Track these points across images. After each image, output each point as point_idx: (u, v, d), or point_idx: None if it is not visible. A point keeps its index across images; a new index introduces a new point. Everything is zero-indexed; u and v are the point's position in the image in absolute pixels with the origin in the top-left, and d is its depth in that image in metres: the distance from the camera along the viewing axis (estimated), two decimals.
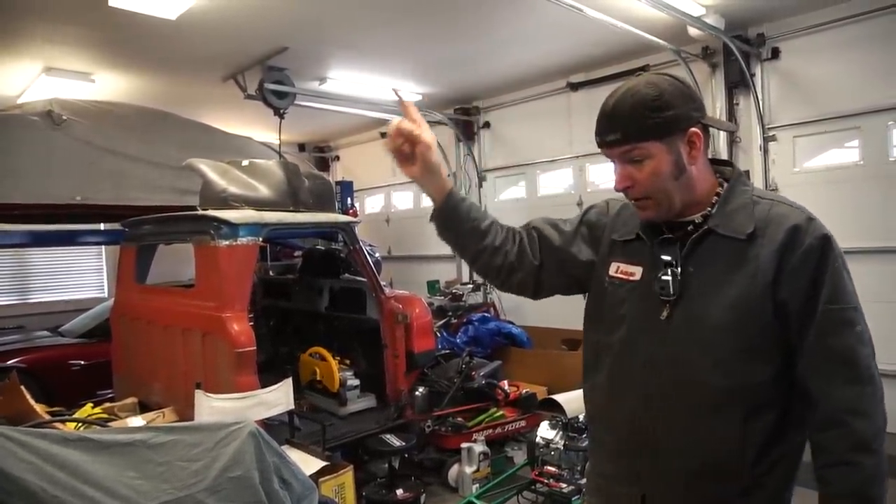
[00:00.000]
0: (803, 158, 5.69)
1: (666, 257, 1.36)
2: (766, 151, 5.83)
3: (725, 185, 1.40)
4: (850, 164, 5.42)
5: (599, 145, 1.38)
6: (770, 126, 5.80)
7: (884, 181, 5.16)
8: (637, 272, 1.41)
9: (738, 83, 5.85)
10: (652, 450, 1.35)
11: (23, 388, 3.37)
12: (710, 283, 1.32)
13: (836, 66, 5.37)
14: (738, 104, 6.00)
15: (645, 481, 1.37)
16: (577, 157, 7.25)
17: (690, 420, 1.32)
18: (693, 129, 1.33)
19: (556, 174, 7.64)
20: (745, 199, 1.36)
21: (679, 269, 1.34)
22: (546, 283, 1.55)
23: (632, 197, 1.39)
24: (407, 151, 1.44)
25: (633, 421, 1.37)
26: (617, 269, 1.45)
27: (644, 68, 6.50)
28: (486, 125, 8.37)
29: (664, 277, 1.34)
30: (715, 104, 6.08)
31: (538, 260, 1.52)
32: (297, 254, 7.09)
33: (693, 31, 5.36)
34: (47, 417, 3.29)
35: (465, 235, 1.51)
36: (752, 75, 5.75)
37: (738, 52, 5.56)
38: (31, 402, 3.37)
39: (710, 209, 1.37)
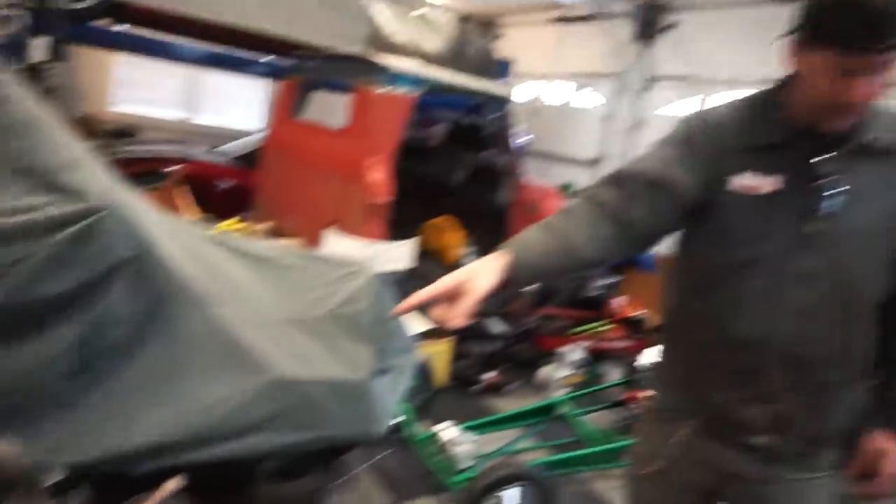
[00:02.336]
0: None
1: (823, 168, 1.29)
2: None
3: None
4: None
5: (862, 50, 1.15)
6: None
7: None
8: (770, 183, 1.31)
9: None
10: (800, 365, 1.33)
11: (180, 190, 3.67)
12: (862, 194, 1.28)
13: None
14: None
15: (784, 397, 1.35)
16: (761, 81, 6.37)
17: (843, 329, 1.33)
18: None
19: (731, 96, 6.81)
20: (892, 117, 1.32)
21: (834, 180, 1.28)
22: (657, 231, 1.40)
23: (853, 111, 1.25)
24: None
25: (780, 338, 1.33)
26: (744, 180, 1.33)
27: None
28: (669, 27, 7.55)
29: (826, 189, 1.28)
30: None
31: (641, 217, 1.33)
32: (438, 125, 7.00)
33: None
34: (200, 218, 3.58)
35: (548, 281, 1.37)
36: None
37: None
38: (186, 204, 3.68)
39: (856, 121, 1.28)
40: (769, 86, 1.46)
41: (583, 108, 8.77)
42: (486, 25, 10.64)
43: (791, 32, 1.29)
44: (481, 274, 1.19)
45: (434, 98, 5.41)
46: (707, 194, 1.36)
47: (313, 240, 3.53)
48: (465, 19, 10.41)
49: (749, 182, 1.33)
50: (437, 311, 1.20)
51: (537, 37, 9.51)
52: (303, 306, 2.33)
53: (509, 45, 10.26)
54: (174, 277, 1.97)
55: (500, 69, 8.38)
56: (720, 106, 1.48)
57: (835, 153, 1.29)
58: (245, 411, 1.94)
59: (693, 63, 7.27)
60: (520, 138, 6.67)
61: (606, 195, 1.35)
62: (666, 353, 1.61)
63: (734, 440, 1.42)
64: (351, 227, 3.43)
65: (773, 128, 1.35)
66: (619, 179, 1.38)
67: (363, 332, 2.34)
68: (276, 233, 4.08)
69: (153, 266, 1.91)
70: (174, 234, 2.18)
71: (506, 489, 2.55)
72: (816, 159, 1.29)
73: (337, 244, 3.25)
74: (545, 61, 9.26)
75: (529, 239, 1.29)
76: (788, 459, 1.41)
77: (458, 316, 1.16)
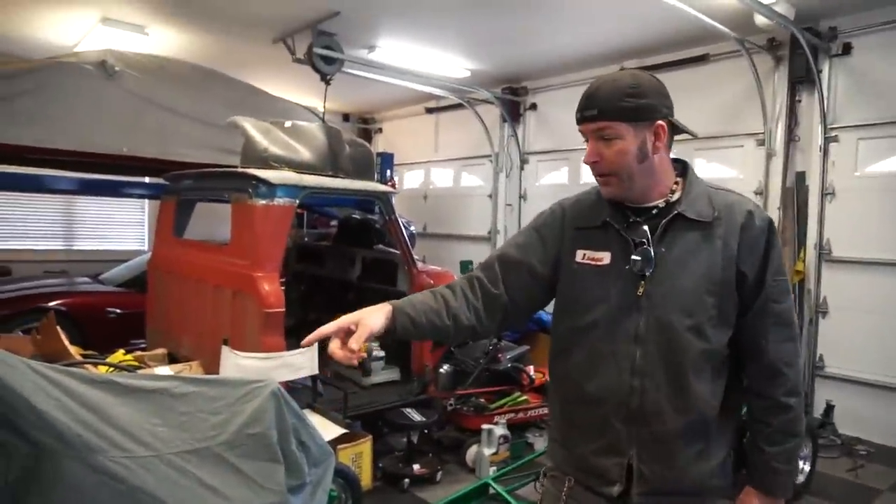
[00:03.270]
0: (866, 162, 5.40)
1: (639, 238, 1.49)
2: (825, 153, 5.56)
3: (681, 178, 1.57)
4: None
5: (578, 121, 1.51)
6: (833, 126, 5.52)
7: None
8: (605, 256, 1.53)
9: (802, 79, 5.57)
10: (639, 417, 1.47)
11: (58, 328, 3.45)
12: (681, 260, 1.47)
13: None
14: (800, 101, 5.72)
15: (630, 450, 1.48)
16: None
17: (674, 384, 1.46)
18: (660, 122, 1.47)
19: None
20: (702, 189, 1.54)
21: (652, 248, 1.47)
22: (524, 305, 1.64)
23: (597, 172, 1.51)
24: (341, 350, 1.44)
25: (619, 393, 1.48)
26: (584, 255, 1.56)
27: (703, 57, 6.26)
28: (533, 107, 8.21)
29: (637, 257, 1.47)
30: (776, 100, 5.82)
31: (503, 292, 1.59)
32: (332, 223, 7.10)
33: (760, 21, 5.10)
34: (79, 359, 3.36)
35: (428, 336, 1.65)
36: (819, 71, 5.46)
37: (807, 46, 5.28)
38: (66, 342, 3.45)
39: (670, 196, 1.53)
40: None
41: (469, 189, 9.19)
42: (366, 121, 11.08)
43: None
44: (370, 316, 1.45)
45: (322, 199, 5.53)
46: (560, 268, 1.59)
47: (211, 359, 3.40)
48: (346, 117, 10.84)
49: (588, 257, 1.55)
50: (333, 345, 1.42)
51: (416, 127, 10.00)
52: (202, 435, 2.22)
53: (390, 137, 10.71)
54: (55, 431, 1.84)
55: (384, 161, 8.70)
56: (580, 193, 1.70)
57: (645, 225, 1.50)
58: None
59: (557, 137, 7.90)
60: (410, 226, 6.88)
61: (479, 274, 1.62)
62: (550, 416, 1.76)
63: (597, 491, 1.53)
64: (248, 341, 3.35)
65: (600, 211, 1.57)
66: (489, 263, 1.64)
67: (273, 450, 2.26)
68: (171, 358, 3.89)
69: (29, 423, 1.78)
70: (53, 383, 2.05)
71: None
72: (630, 234, 1.50)
73: (235, 361, 3.15)
74: (426, 149, 9.72)
75: (415, 298, 1.56)
76: None
77: (354, 340, 1.40)
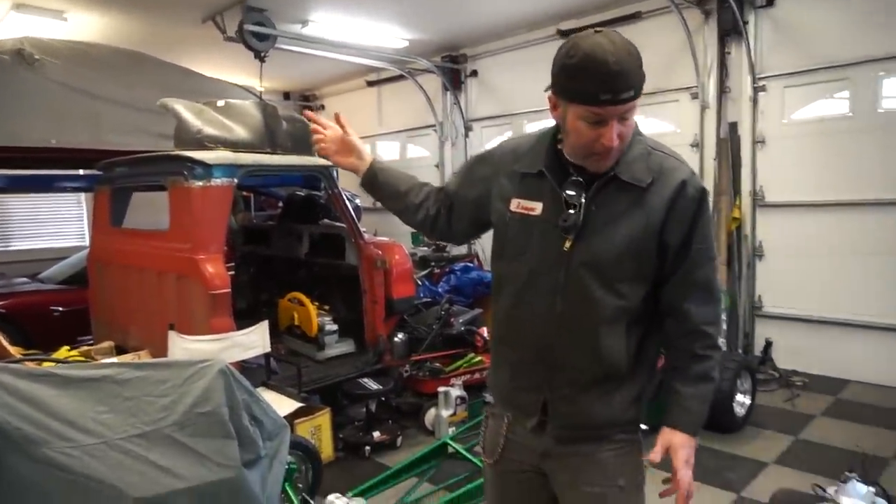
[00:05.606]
0: (793, 110, 5.63)
1: (571, 194, 1.50)
2: (755, 102, 5.76)
3: None
4: (839, 115, 5.37)
5: (608, 103, 1.35)
6: (760, 76, 5.71)
7: (875, 133, 5.13)
8: (537, 207, 1.55)
9: (730, 31, 5.74)
10: (553, 363, 1.56)
11: None
12: (609, 221, 1.49)
13: (829, 15, 5.27)
14: (729, 53, 5.89)
15: (546, 389, 1.59)
16: None
17: (588, 338, 1.53)
18: None
19: (543, 124, 7.45)
20: (641, 150, 1.51)
21: (582, 206, 1.49)
22: (456, 228, 1.81)
23: (611, 155, 1.45)
24: (332, 150, 1.86)
25: (538, 340, 1.57)
26: (518, 204, 1.58)
27: (636, 15, 6.35)
28: (474, 73, 8.21)
29: (570, 212, 1.49)
30: (707, 53, 5.97)
31: (447, 210, 1.78)
32: (280, 203, 7.01)
33: None
34: (20, 357, 3.28)
35: (386, 199, 1.84)
36: (745, 23, 5.63)
37: None
38: (4, 343, 3.36)
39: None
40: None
41: (416, 160, 9.17)
42: (308, 98, 10.88)
43: (548, 89, 1.52)
44: (357, 141, 1.85)
45: (264, 178, 5.46)
46: (491, 209, 1.65)
47: (160, 347, 3.37)
48: (286, 95, 10.62)
49: (525, 204, 1.57)
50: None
51: (358, 101, 9.87)
52: (150, 418, 2.22)
53: (333, 113, 10.55)
54: None
55: None
56: (526, 134, 1.75)
57: (579, 182, 1.48)
58: None
59: (500, 102, 7.93)
60: (355, 199, 6.85)
61: (439, 189, 1.84)
62: (490, 353, 1.86)
63: (525, 424, 1.63)
64: (196, 325, 3.33)
65: (543, 159, 1.56)
66: (445, 187, 1.84)
67: (225, 427, 2.27)
68: (119, 350, 3.83)
69: None
70: None
71: None
72: (565, 189, 1.50)
73: (183, 345, 3.13)
74: (370, 123, 9.63)
75: (394, 171, 1.85)
76: (575, 440, 1.60)
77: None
